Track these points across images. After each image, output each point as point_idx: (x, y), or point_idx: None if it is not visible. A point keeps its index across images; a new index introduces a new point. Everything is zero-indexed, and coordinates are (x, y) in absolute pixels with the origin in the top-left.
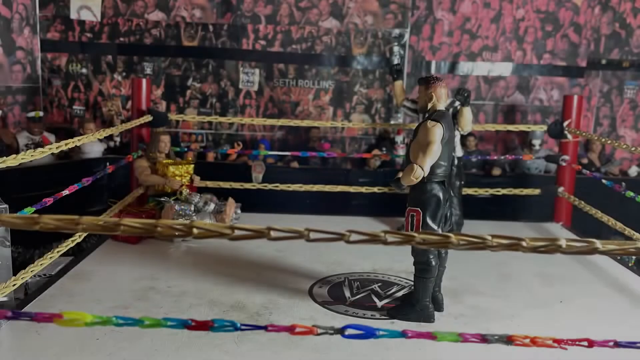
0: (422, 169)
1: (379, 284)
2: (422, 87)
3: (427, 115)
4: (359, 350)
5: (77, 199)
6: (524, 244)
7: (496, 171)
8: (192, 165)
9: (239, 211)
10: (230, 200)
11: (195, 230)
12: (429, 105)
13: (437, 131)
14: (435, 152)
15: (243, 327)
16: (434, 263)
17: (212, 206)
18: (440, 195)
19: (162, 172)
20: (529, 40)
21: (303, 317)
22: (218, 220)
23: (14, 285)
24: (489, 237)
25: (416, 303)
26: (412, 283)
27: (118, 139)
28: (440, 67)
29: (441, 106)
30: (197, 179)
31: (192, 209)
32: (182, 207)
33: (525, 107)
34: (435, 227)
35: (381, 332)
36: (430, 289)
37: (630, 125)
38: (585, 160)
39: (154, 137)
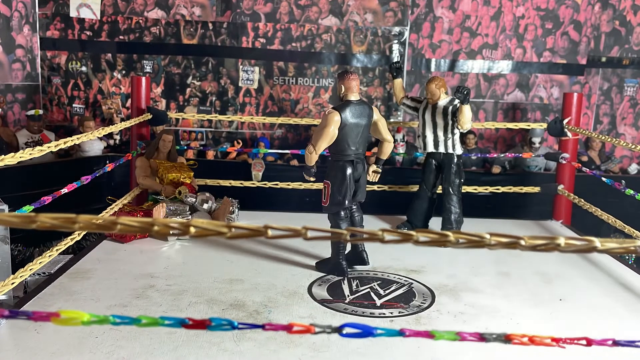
0: (314, 149)
1: (378, 282)
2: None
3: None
4: (358, 349)
5: (77, 197)
6: (522, 242)
7: (496, 169)
8: (192, 173)
9: (236, 210)
10: (226, 199)
11: (192, 229)
12: (341, 96)
13: (334, 118)
14: (326, 135)
15: (240, 326)
16: (342, 227)
17: (208, 205)
18: (348, 172)
19: (160, 174)
20: (529, 38)
21: (302, 316)
22: (212, 219)
23: (13, 283)
24: (488, 236)
25: (332, 260)
26: (411, 281)
27: (118, 137)
28: (440, 65)
29: (352, 97)
30: (195, 185)
31: (189, 208)
32: (179, 206)
33: (525, 104)
34: (340, 197)
35: (379, 331)
36: (341, 250)
37: (630, 123)
38: (585, 158)
39: (157, 135)
